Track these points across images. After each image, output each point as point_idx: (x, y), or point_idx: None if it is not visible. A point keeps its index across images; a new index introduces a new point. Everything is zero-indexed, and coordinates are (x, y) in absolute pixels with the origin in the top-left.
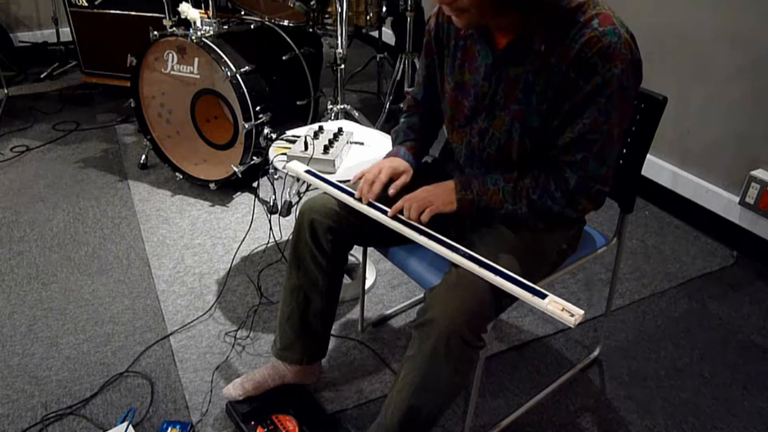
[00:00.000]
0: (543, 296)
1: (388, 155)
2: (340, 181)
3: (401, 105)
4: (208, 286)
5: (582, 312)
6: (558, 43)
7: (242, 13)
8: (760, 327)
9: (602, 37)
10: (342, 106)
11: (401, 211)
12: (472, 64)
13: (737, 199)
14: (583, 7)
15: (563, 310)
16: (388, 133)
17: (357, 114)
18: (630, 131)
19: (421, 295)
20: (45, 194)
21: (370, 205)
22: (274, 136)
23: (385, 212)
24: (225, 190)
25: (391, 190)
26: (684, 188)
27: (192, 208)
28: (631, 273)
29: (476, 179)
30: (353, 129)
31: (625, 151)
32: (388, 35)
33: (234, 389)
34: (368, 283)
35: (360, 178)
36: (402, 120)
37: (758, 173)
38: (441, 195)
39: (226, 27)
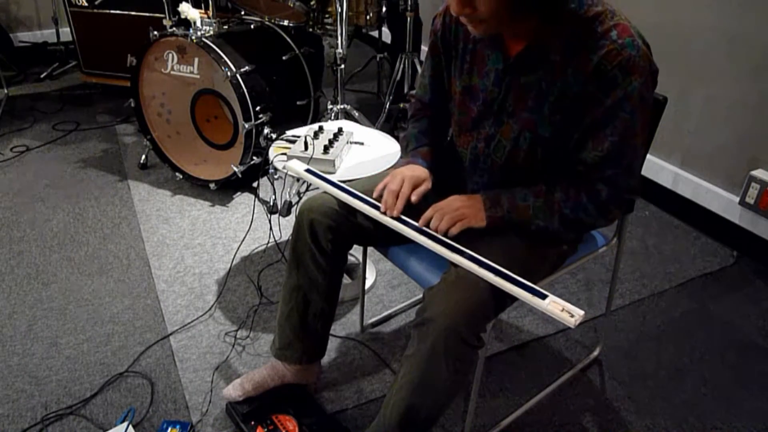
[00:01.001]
0: (543, 297)
1: (406, 163)
2: (341, 181)
3: (401, 105)
4: (208, 286)
5: (582, 312)
6: (574, 53)
7: (242, 13)
8: (760, 327)
9: (622, 50)
10: (342, 106)
11: (407, 214)
12: (481, 68)
13: (737, 199)
14: (601, 17)
15: (563, 310)
16: (389, 133)
17: (357, 114)
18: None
19: (421, 295)
20: (45, 194)
21: (370, 205)
22: (274, 136)
23: (386, 213)
24: (225, 190)
25: (414, 197)
26: (684, 188)
27: (192, 208)
28: (631, 273)
29: (504, 194)
30: (353, 129)
31: None
32: (388, 35)
33: (234, 390)
34: (368, 283)
35: (383, 190)
36: (411, 125)
37: (758, 173)
38: (472, 210)
39: (226, 27)
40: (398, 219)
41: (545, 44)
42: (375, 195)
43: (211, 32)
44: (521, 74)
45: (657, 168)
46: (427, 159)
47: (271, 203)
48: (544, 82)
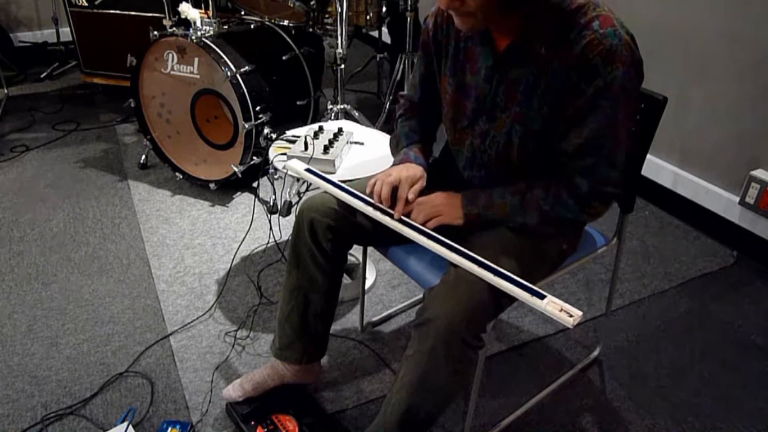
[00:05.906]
0: (542, 297)
1: (401, 161)
2: (341, 181)
3: (396, 108)
4: (208, 286)
5: (580, 313)
6: (559, 45)
7: (242, 13)
8: (760, 327)
9: (603, 39)
10: (342, 106)
11: (406, 213)
12: (473, 65)
13: (737, 199)
14: (584, 8)
15: (562, 310)
16: (388, 133)
17: (357, 114)
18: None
19: (421, 295)
20: (45, 194)
21: (370, 204)
22: (274, 136)
23: (388, 214)
24: (225, 190)
25: (411, 196)
26: (684, 188)
27: (192, 208)
28: (631, 273)
29: (483, 193)
30: (353, 129)
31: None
32: (388, 35)
33: (234, 390)
34: (368, 283)
35: (374, 185)
36: (400, 124)
37: (758, 173)
38: (450, 207)
39: (226, 27)
40: (398, 219)
41: (531, 38)
42: (368, 190)
43: (211, 32)
44: (510, 69)
45: (657, 168)
46: (420, 156)
47: (271, 203)
48: (532, 75)
